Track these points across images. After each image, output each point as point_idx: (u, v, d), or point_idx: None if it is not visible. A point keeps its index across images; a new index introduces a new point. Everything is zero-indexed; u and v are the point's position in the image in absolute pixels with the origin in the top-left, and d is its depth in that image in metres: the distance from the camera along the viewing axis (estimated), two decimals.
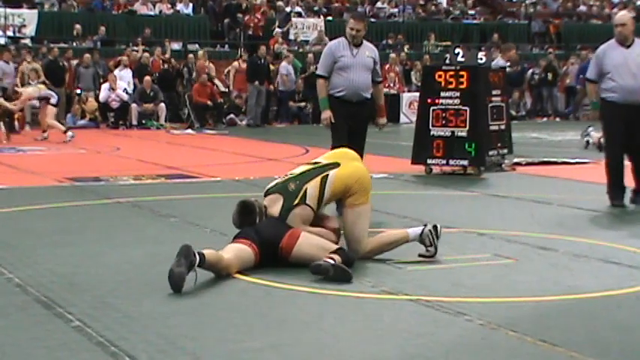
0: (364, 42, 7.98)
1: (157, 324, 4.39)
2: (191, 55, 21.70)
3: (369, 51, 7.98)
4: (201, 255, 5.11)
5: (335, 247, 5.55)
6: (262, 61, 20.73)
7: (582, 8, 31.40)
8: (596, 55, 8.75)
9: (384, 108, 8.46)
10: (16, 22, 22.64)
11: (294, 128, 20.65)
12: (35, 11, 23.30)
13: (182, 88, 20.94)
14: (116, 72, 20.31)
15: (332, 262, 5.32)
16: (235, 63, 21.54)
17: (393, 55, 23.65)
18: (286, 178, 5.85)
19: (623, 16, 8.67)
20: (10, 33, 22.30)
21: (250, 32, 23.29)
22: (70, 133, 15.67)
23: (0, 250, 6.06)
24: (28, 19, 22.91)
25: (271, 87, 21.35)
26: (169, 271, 4.96)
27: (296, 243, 5.50)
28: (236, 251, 5.45)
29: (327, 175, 5.76)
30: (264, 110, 21.45)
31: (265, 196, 5.84)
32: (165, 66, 20.88)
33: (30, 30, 22.82)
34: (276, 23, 24.95)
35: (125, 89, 19.87)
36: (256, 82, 20.26)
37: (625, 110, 8.33)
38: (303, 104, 21.72)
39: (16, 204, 8.24)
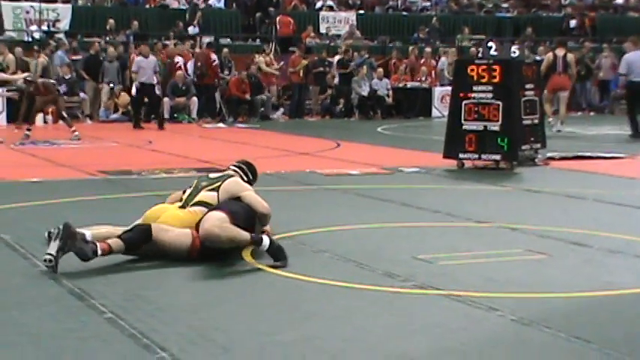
0: None
1: (188, 316, 4.41)
2: (226, 50, 21.72)
3: None
4: None
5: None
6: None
7: (618, 1, 31.01)
8: None
9: None
10: (50, 16, 22.86)
11: (325, 122, 20.63)
12: (69, 6, 23.51)
13: (216, 81, 20.96)
14: (190, 64, 20.48)
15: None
16: (260, 57, 21.50)
17: (428, 49, 23.54)
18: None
19: None
20: (44, 27, 22.52)
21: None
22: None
23: (33, 242, 6.11)
24: (62, 13, 23.13)
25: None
26: None
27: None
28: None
29: None
30: (298, 104, 21.44)
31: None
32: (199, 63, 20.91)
33: (64, 24, 23.02)
34: None
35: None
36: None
37: None
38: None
39: (50, 197, 8.31)
